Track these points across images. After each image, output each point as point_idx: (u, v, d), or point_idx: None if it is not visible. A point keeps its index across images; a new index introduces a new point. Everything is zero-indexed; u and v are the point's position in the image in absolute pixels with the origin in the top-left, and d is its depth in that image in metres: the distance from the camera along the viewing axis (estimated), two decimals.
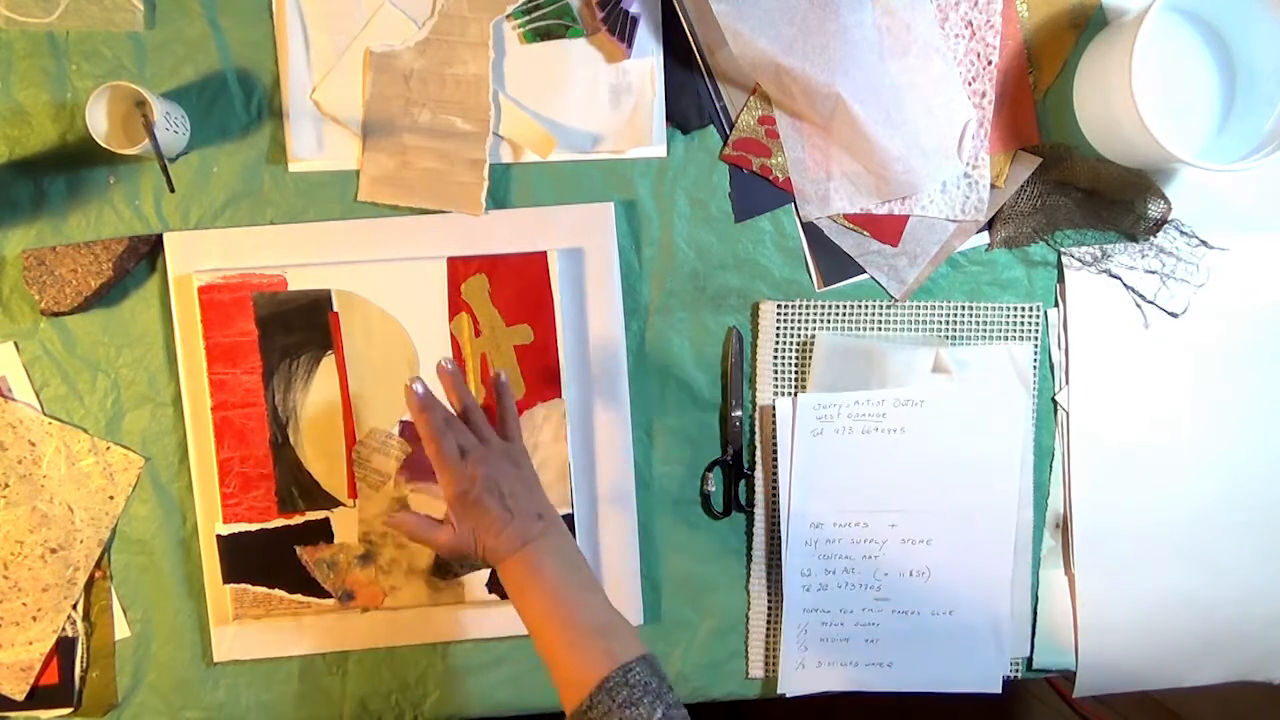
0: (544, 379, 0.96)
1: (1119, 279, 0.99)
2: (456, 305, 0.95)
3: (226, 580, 0.95)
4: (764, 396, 0.99)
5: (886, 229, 0.98)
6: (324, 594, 0.96)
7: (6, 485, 0.94)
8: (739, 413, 0.99)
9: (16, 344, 0.94)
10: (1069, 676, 1.03)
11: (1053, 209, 0.98)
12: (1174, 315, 1.00)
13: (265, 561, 0.95)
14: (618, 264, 0.97)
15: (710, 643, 1.01)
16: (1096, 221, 0.99)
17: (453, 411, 0.86)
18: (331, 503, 0.96)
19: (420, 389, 0.82)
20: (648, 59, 0.96)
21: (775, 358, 0.99)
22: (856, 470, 0.97)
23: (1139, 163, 0.96)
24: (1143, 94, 0.86)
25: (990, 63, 0.97)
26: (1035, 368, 0.99)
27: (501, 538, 0.80)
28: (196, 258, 0.94)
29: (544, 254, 0.95)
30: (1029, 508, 1.00)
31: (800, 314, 0.98)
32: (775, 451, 0.98)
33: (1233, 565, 1.01)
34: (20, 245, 0.94)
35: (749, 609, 1.01)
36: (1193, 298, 1.00)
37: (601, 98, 0.96)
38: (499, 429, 0.87)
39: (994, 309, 0.99)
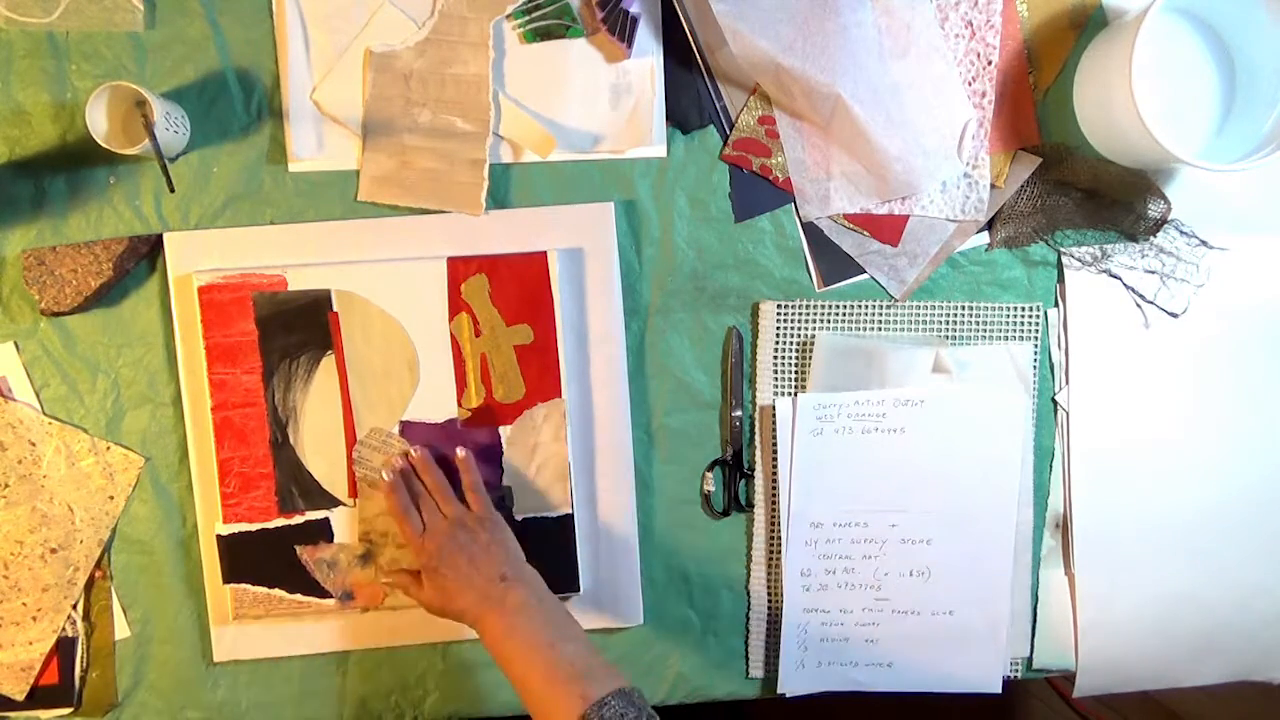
0: (544, 379, 0.96)
1: (1119, 279, 0.99)
2: (456, 305, 0.95)
3: (226, 580, 0.95)
4: (764, 396, 0.99)
5: (886, 229, 0.98)
6: (324, 594, 0.96)
7: (6, 485, 0.94)
8: (739, 413, 0.99)
9: (16, 344, 0.94)
10: (1069, 676, 1.03)
11: (1053, 209, 0.98)
12: (1174, 315, 1.00)
13: (265, 561, 0.95)
14: (618, 264, 0.97)
15: (710, 643, 1.01)
16: (1096, 221, 0.99)
17: (424, 490, 0.94)
18: (331, 503, 0.96)
19: (389, 476, 0.93)
20: (648, 59, 0.96)
21: (775, 358, 0.99)
22: (856, 470, 0.97)
23: (1139, 163, 0.96)
24: (1143, 94, 0.86)
25: (990, 63, 0.97)
26: (1035, 368, 1.00)
27: (467, 601, 0.86)
28: (196, 258, 0.94)
29: (544, 254, 0.95)
30: (1029, 508, 1.00)
31: (800, 314, 0.98)
32: (775, 451, 0.98)
33: (1233, 565, 1.01)
34: (20, 245, 0.94)
35: (749, 609, 1.01)
36: (1193, 298, 1.00)
37: (601, 98, 0.96)
38: (468, 499, 0.94)
39: (994, 309, 0.99)
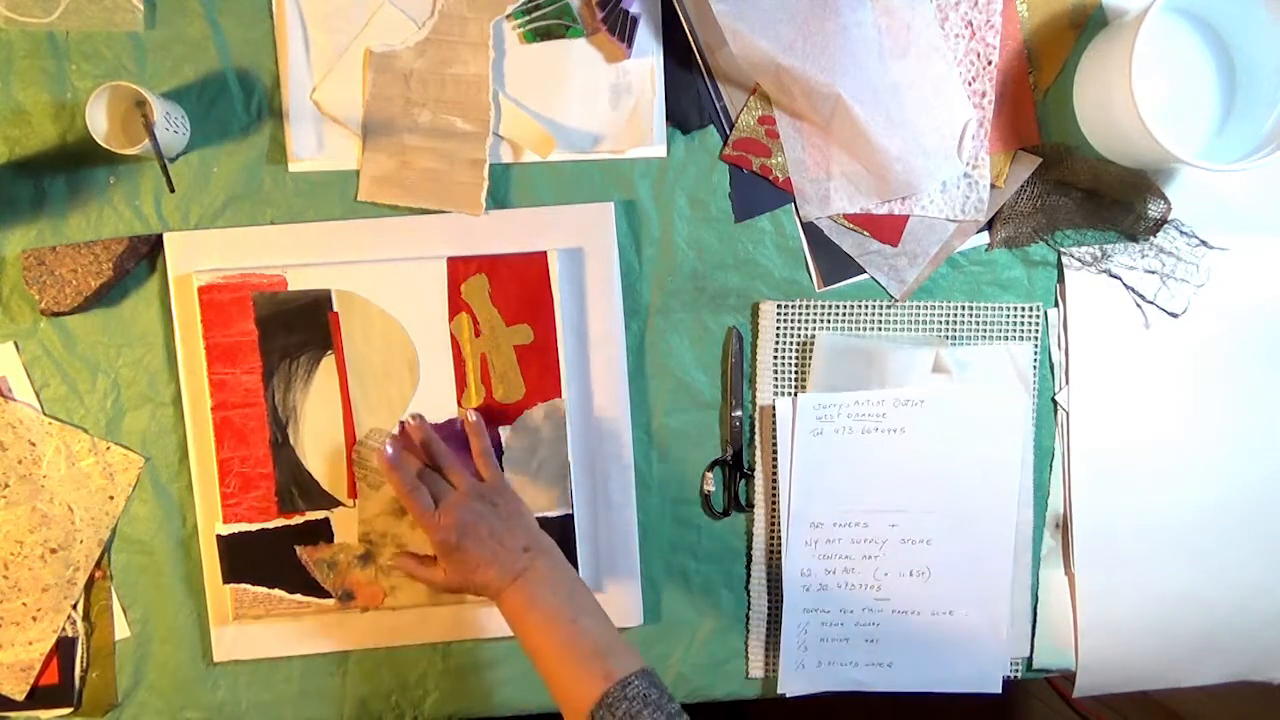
0: (544, 379, 0.96)
1: (1119, 279, 0.99)
2: (456, 305, 0.95)
3: (226, 580, 0.95)
4: (764, 396, 0.99)
5: (886, 229, 0.98)
6: (324, 594, 0.96)
7: (6, 485, 0.94)
8: (739, 413, 0.99)
9: (16, 344, 0.94)
10: (1069, 676, 1.03)
11: (1053, 209, 0.98)
12: (1174, 315, 1.00)
13: (265, 561, 0.95)
14: (618, 264, 0.97)
15: (710, 643, 1.01)
16: (1096, 221, 0.99)
17: (425, 464, 0.91)
18: (331, 503, 0.96)
19: (390, 450, 0.89)
20: (648, 59, 0.96)
21: (775, 358, 0.99)
22: (856, 470, 0.97)
23: (1139, 163, 0.96)
24: (1143, 94, 0.86)
25: (990, 63, 0.97)
26: (1035, 368, 0.99)
27: (489, 575, 0.85)
28: (196, 258, 0.94)
29: (544, 254, 0.95)
30: (1029, 508, 1.00)
31: (800, 314, 0.98)
32: (775, 451, 0.98)
33: (1233, 565, 1.01)
34: (20, 245, 0.94)
35: (749, 609, 1.01)
36: (1193, 298, 1.00)
37: (601, 98, 0.96)
38: (477, 467, 0.92)
39: (994, 309, 0.99)
